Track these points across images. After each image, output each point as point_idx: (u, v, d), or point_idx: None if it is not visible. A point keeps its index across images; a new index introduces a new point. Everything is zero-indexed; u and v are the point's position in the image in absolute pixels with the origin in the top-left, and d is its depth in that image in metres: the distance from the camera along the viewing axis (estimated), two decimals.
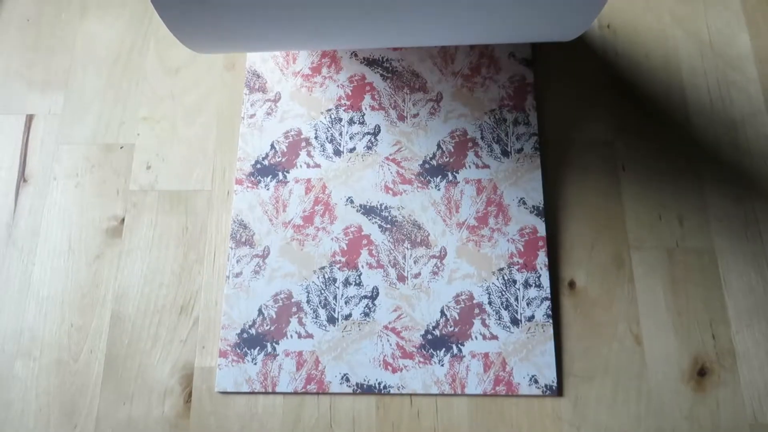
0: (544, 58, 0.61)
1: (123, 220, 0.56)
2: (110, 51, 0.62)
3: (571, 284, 0.54)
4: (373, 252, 0.55)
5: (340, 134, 0.58)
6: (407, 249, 0.55)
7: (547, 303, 0.53)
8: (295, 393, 0.51)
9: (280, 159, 0.57)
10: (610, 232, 0.56)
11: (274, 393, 0.51)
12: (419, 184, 0.56)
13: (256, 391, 0.51)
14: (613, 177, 0.57)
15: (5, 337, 0.53)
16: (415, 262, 0.54)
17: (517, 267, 0.54)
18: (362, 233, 0.55)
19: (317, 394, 0.51)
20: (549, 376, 0.51)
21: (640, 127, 0.58)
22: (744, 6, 0.63)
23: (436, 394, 0.51)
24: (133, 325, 0.53)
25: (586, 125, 0.59)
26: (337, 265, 0.54)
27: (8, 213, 0.57)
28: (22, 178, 0.58)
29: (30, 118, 0.60)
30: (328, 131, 0.58)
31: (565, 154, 0.58)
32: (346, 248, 0.55)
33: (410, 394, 0.51)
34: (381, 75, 0.60)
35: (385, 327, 0.53)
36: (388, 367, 0.52)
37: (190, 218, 0.56)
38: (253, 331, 0.53)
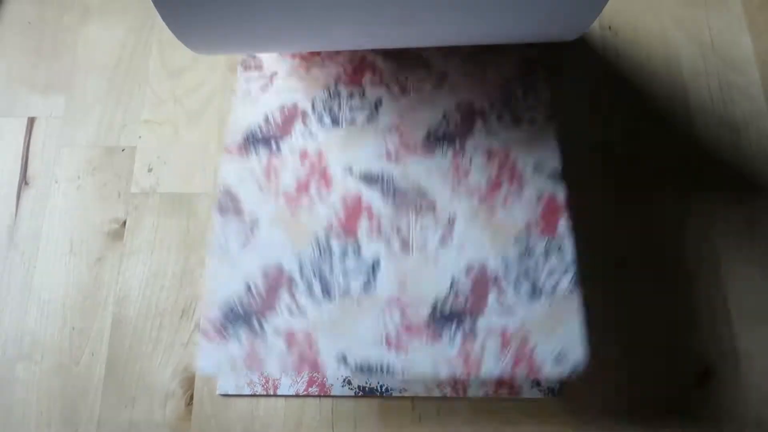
0: (544, 59, 0.61)
1: (124, 222, 0.56)
2: (112, 54, 0.62)
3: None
4: (374, 221, 0.51)
5: (339, 107, 0.56)
6: (412, 217, 0.51)
7: (572, 273, 0.48)
8: (297, 396, 0.51)
9: (274, 131, 0.54)
10: (611, 236, 0.55)
11: (275, 396, 0.51)
12: (424, 152, 0.53)
13: (257, 393, 0.51)
14: (614, 180, 0.57)
15: (6, 340, 0.53)
16: (420, 231, 0.50)
17: (536, 234, 0.50)
18: (362, 202, 0.51)
19: (319, 396, 0.51)
20: (576, 354, 0.48)
21: (641, 128, 0.58)
22: (745, 8, 0.63)
23: (438, 397, 0.51)
24: (135, 328, 0.53)
25: (587, 127, 0.59)
26: (334, 235, 0.50)
27: (9, 216, 0.56)
28: (23, 180, 0.58)
29: (31, 121, 0.60)
30: (326, 104, 0.55)
31: (565, 155, 0.57)
32: (343, 218, 0.51)
33: (412, 397, 0.51)
34: (383, 55, 0.57)
35: (388, 302, 0.48)
36: (392, 346, 0.47)
37: (192, 221, 0.56)
38: (240, 309, 0.49)
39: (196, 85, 0.61)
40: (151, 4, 0.64)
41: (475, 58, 0.57)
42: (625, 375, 0.51)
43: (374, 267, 0.49)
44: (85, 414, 0.51)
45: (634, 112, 0.59)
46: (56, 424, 0.51)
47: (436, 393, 0.50)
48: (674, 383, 0.51)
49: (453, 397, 0.51)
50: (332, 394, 0.51)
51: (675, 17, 0.63)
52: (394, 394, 0.50)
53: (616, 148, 0.58)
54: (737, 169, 0.57)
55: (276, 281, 0.49)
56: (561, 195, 0.50)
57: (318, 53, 0.57)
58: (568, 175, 0.55)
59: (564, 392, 0.51)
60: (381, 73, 0.56)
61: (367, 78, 0.56)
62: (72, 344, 0.53)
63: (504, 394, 0.50)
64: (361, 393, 0.51)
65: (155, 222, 0.56)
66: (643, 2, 0.63)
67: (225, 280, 0.49)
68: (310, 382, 0.51)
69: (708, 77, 0.60)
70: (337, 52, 0.57)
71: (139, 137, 0.59)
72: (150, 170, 0.58)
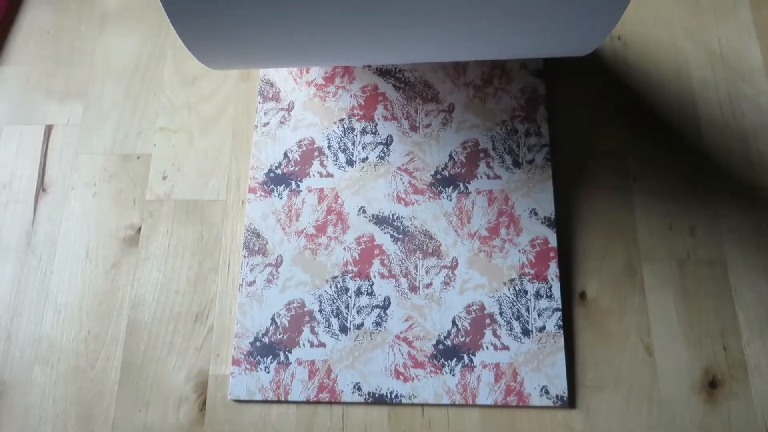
0: (555, 69, 0.61)
1: (139, 229, 0.57)
2: (128, 62, 0.63)
3: (582, 295, 0.54)
4: (385, 262, 0.55)
5: (353, 144, 0.59)
6: (419, 259, 0.55)
7: (558, 314, 0.53)
8: (308, 402, 0.52)
9: (293, 168, 0.58)
10: (621, 243, 0.56)
11: (287, 402, 0.52)
12: (431, 195, 0.57)
13: (269, 399, 0.52)
14: (624, 188, 0.57)
15: (24, 343, 0.54)
16: (426, 273, 0.55)
17: (528, 278, 0.54)
18: (374, 243, 0.56)
19: (330, 403, 0.52)
20: (560, 387, 0.51)
21: (651, 138, 0.59)
22: (755, 18, 0.63)
23: (447, 405, 0.52)
24: (149, 333, 0.54)
25: (597, 136, 0.59)
26: (350, 275, 0.55)
27: (28, 222, 0.58)
28: (41, 187, 0.59)
29: (49, 129, 0.61)
30: (341, 141, 0.59)
31: (576, 164, 0.58)
32: (358, 258, 0.55)
33: (422, 404, 0.52)
34: (394, 85, 0.61)
35: (397, 336, 0.53)
36: (400, 376, 0.52)
37: (206, 227, 0.57)
38: (266, 339, 0.53)
39: (210, 93, 0.62)
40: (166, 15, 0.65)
41: (482, 90, 0.59)
42: (634, 384, 0.52)
43: (385, 305, 0.54)
44: (101, 417, 0.52)
45: (644, 122, 0.59)
46: (72, 426, 0.52)
47: (446, 401, 0.51)
48: (682, 392, 0.51)
49: (462, 404, 0.51)
50: (342, 400, 0.51)
51: (684, 28, 0.63)
52: (403, 401, 0.51)
53: (625, 158, 0.58)
54: (746, 178, 0.57)
55: (299, 317, 0.54)
56: (553, 240, 0.55)
57: (332, 81, 0.60)
58: (577, 185, 0.56)
59: (574, 401, 0.51)
60: (392, 106, 0.59)
61: (379, 112, 0.59)
62: (88, 348, 0.54)
63: (513, 403, 0.51)
64: (371, 400, 0.51)
65: (169, 228, 0.57)
66: (652, 13, 0.64)
67: (253, 314, 0.54)
68: (321, 388, 0.52)
69: (717, 87, 0.61)
70: (351, 81, 0.60)
71: (154, 145, 0.60)
72: (164, 177, 0.59)
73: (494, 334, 0.53)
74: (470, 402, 0.51)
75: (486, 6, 0.36)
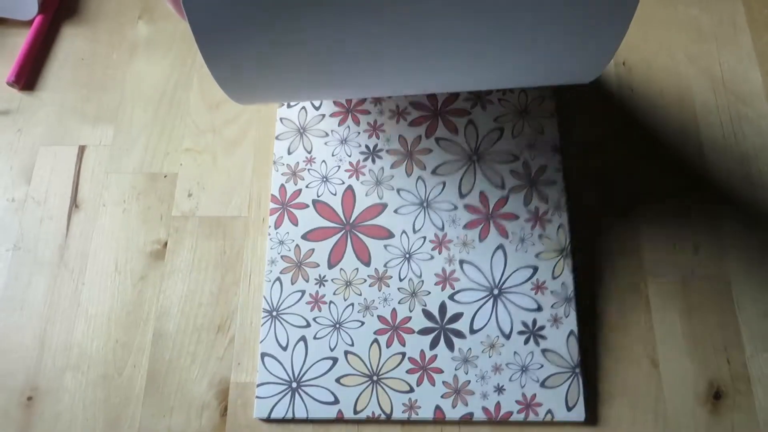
0: (561, 95, 0.64)
1: (166, 243, 0.60)
2: (156, 88, 0.67)
3: (590, 312, 0.56)
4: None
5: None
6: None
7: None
8: (325, 421, 0.53)
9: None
10: (628, 261, 0.58)
11: (305, 421, 0.53)
12: None
13: (295, 418, 0.53)
14: (629, 209, 0.60)
15: (56, 351, 0.57)
16: None
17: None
18: None
19: (345, 421, 0.53)
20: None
21: (656, 159, 0.61)
22: (755, 45, 0.65)
23: (459, 421, 0.53)
24: (174, 342, 0.57)
25: (603, 159, 0.62)
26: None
27: (61, 236, 0.61)
28: (74, 204, 0.62)
29: (82, 149, 0.64)
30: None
31: (582, 186, 0.61)
32: None
33: (434, 421, 0.53)
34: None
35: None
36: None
37: (228, 243, 0.60)
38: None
39: (233, 117, 0.65)
40: (193, 42, 0.69)
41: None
42: (640, 397, 0.53)
43: None
44: (127, 422, 0.54)
45: (648, 145, 0.62)
46: (100, 430, 0.54)
47: (458, 417, 0.53)
48: (687, 404, 0.53)
49: (478, 422, 0.52)
50: (357, 418, 0.53)
51: (687, 53, 0.66)
52: (412, 418, 0.53)
53: (631, 179, 0.61)
54: (747, 197, 0.59)
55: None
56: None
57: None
58: (583, 207, 0.58)
59: (581, 414, 0.53)
60: None
61: None
62: (116, 356, 0.56)
63: (523, 419, 0.52)
64: (384, 417, 0.53)
65: (194, 243, 0.60)
66: (656, 39, 0.66)
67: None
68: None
69: (719, 111, 0.63)
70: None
71: (181, 164, 0.63)
72: (190, 195, 0.62)
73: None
74: (483, 419, 0.53)
75: (489, 38, 0.39)
